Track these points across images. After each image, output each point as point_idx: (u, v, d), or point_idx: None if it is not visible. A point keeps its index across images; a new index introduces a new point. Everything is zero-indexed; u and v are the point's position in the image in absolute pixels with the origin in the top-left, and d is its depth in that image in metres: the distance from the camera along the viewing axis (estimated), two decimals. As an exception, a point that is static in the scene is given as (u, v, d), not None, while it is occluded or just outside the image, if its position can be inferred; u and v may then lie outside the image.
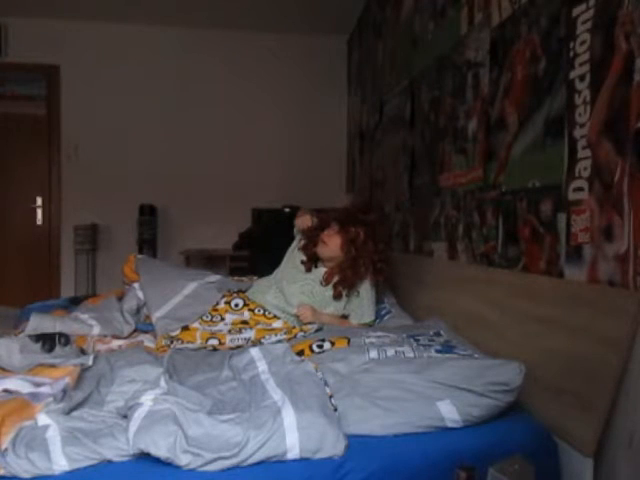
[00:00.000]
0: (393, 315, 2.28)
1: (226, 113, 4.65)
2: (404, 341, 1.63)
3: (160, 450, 1.10)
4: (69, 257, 4.48)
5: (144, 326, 2.13)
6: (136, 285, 2.28)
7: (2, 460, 1.09)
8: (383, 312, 2.31)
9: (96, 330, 1.99)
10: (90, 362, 1.54)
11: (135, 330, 2.11)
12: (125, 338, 2.03)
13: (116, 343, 1.95)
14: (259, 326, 2.02)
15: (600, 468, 1.25)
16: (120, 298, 2.32)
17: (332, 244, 2.17)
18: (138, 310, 2.21)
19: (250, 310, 2.09)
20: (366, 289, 2.19)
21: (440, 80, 2.42)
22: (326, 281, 2.17)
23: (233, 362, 1.61)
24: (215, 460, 1.11)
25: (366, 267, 2.14)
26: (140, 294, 2.24)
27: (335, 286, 2.15)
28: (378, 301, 2.30)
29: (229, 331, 1.99)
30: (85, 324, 2.01)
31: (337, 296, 2.14)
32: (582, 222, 1.40)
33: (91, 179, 4.52)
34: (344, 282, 2.14)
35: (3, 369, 1.58)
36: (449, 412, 1.29)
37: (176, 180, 4.59)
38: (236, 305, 2.11)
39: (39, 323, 1.91)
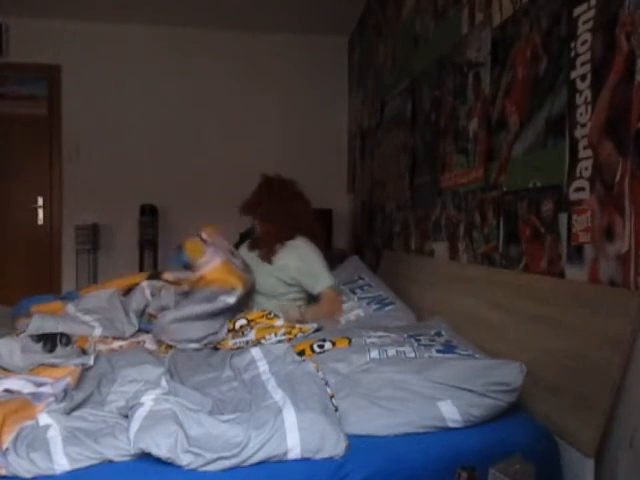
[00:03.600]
0: (396, 308, 2.28)
1: (226, 113, 4.65)
2: (405, 341, 1.63)
3: (161, 450, 1.10)
4: (70, 257, 4.48)
5: (147, 325, 2.13)
6: (144, 284, 2.26)
7: (3, 460, 1.09)
8: (386, 302, 2.32)
9: (98, 331, 2.00)
10: (91, 362, 1.54)
11: (138, 330, 2.11)
12: (126, 338, 2.03)
13: (117, 343, 1.95)
14: (260, 325, 2.02)
15: (601, 468, 1.25)
16: (125, 293, 2.27)
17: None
18: (144, 311, 2.20)
19: (252, 320, 2.08)
20: (305, 257, 2.28)
21: (441, 80, 2.42)
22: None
23: (234, 362, 1.61)
24: (216, 460, 1.12)
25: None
26: (148, 293, 2.22)
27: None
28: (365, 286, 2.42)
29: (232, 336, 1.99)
30: (87, 325, 2.01)
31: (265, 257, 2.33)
32: (583, 222, 1.39)
33: (92, 179, 4.52)
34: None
35: (4, 369, 1.58)
36: (450, 412, 1.29)
37: (177, 180, 4.59)
38: (241, 326, 2.04)
39: (41, 323, 1.92)
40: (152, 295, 2.24)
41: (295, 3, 4.07)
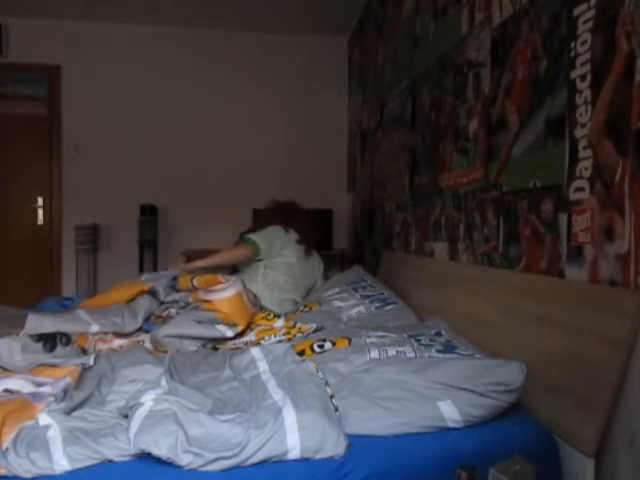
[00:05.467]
0: (398, 307, 2.30)
1: (227, 113, 4.65)
2: (405, 341, 1.63)
3: (161, 450, 1.10)
4: (70, 257, 4.49)
5: (148, 326, 2.13)
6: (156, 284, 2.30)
7: (3, 460, 1.09)
8: (388, 301, 2.34)
9: (95, 328, 2.00)
10: (91, 362, 1.54)
11: (138, 330, 2.11)
12: (126, 336, 2.04)
13: (117, 343, 1.96)
14: (260, 327, 2.02)
15: (601, 468, 1.25)
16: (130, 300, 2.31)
17: None
18: (151, 314, 2.23)
19: (251, 322, 2.08)
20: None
21: (441, 80, 2.42)
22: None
23: (234, 362, 1.61)
24: (216, 460, 1.11)
25: None
26: (161, 291, 2.25)
27: None
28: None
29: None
30: (83, 322, 2.02)
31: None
32: (583, 222, 1.39)
33: (92, 179, 4.52)
34: None
35: (4, 369, 1.58)
36: (450, 412, 1.29)
37: (177, 180, 4.59)
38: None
39: (38, 323, 1.92)
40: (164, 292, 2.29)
41: (295, 3, 4.07)
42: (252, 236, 2.59)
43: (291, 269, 2.65)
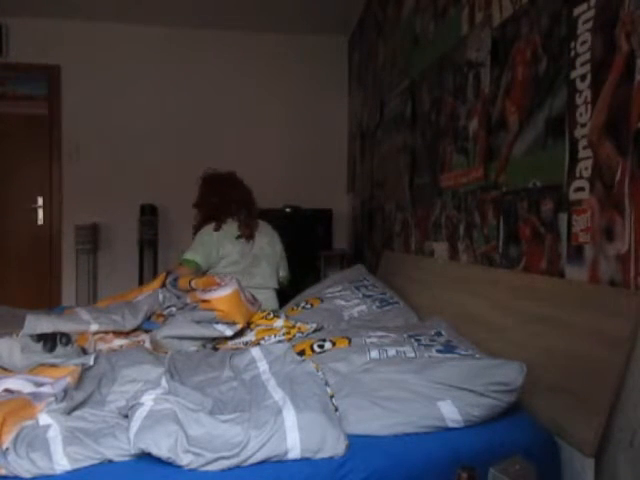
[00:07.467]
0: (399, 307, 2.30)
1: (226, 113, 4.65)
2: (405, 341, 1.63)
3: (161, 450, 1.10)
4: (70, 257, 4.49)
5: (149, 325, 2.13)
6: (159, 290, 2.31)
7: (3, 460, 1.09)
8: (390, 301, 2.34)
9: (94, 327, 2.00)
10: (91, 362, 1.54)
11: (137, 329, 2.11)
12: (126, 335, 2.04)
13: (117, 342, 1.95)
14: (260, 327, 2.02)
15: (601, 468, 1.25)
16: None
17: None
18: (153, 313, 2.23)
19: (251, 322, 2.08)
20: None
21: (441, 80, 2.42)
22: None
23: (234, 362, 1.61)
24: (216, 460, 1.11)
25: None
26: (161, 298, 2.26)
27: None
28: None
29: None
30: (83, 321, 2.02)
31: None
32: (583, 222, 1.40)
33: (92, 179, 4.52)
34: None
35: (4, 369, 1.58)
36: (450, 412, 1.29)
37: (177, 180, 4.57)
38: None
39: (37, 323, 1.92)
40: (164, 298, 2.30)
41: (295, 3, 4.07)
42: (187, 255, 2.65)
43: (236, 266, 2.66)
